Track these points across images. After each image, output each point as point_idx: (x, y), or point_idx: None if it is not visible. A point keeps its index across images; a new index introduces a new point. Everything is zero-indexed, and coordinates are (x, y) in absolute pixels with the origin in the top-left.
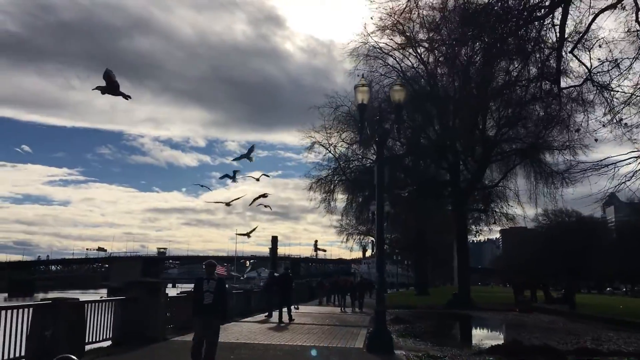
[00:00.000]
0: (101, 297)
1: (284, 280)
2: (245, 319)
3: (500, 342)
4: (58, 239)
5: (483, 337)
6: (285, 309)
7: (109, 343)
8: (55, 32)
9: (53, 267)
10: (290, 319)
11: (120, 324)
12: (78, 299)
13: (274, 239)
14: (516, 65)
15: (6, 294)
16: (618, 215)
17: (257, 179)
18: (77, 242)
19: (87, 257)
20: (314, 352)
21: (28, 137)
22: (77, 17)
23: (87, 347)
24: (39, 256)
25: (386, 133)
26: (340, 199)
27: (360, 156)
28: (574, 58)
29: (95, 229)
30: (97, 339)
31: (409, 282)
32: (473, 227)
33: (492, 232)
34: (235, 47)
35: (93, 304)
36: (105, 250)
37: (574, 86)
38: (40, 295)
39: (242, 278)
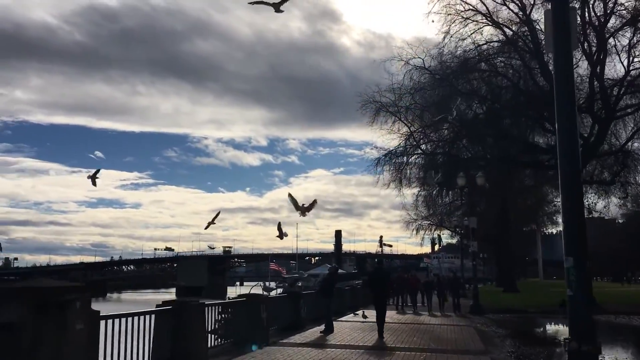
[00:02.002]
0: None
1: (379, 278)
2: (291, 338)
3: None
4: (132, 240)
5: None
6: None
7: None
8: (119, 40)
9: (125, 267)
10: (382, 335)
11: None
12: None
13: (338, 234)
14: None
15: None
16: None
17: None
18: (150, 243)
19: (156, 257)
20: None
21: (100, 143)
22: (139, 24)
23: None
24: (112, 257)
25: None
26: (414, 175)
27: (437, 120)
28: None
29: (165, 230)
30: None
31: (485, 277)
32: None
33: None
34: (292, 45)
35: None
36: (173, 250)
37: None
38: (115, 296)
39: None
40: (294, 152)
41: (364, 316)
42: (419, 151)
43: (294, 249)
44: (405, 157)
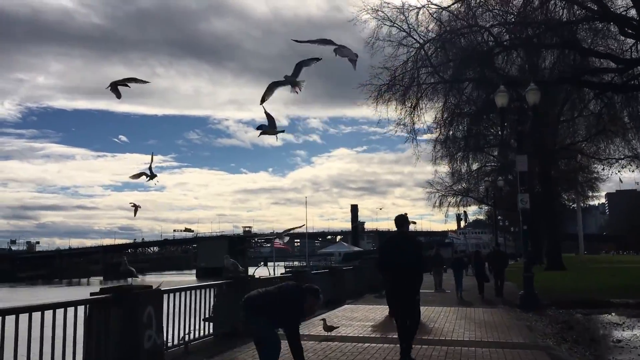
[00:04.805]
0: None
1: (399, 249)
2: None
3: None
4: (158, 222)
5: None
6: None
7: None
8: (135, 21)
9: (148, 249)
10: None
11: None
12: None
13: (354, 208)
14: None
15: (101, 277)
16: None
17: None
18: (175, 225)
19: (175, 239)
20: None
21: (123, 127)
22: (155, 4)
23: None
24: (135, 239)
25: None
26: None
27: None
28: None
29: (190, 212)
30: None
31: (517, 253)
32: None
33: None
34: (310, 21)
35: None
36: (192, 231)
37: None
38: (139, 279)
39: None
40: (316, 131)
41: (328, 328)
42: (437, 79)
43: (318, 229)
44: (418, 90)
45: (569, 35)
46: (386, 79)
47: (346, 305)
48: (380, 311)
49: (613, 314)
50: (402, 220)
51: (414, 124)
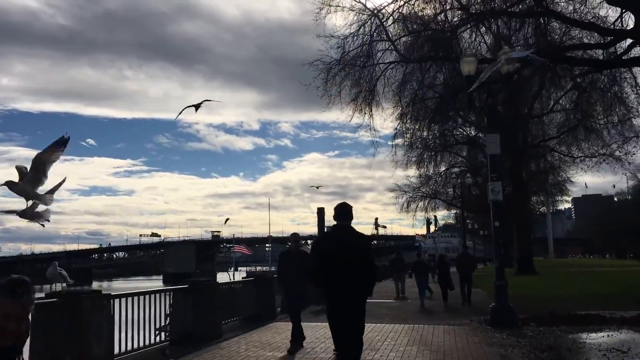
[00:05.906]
0: None
1: (339, 248)
2: None
3: None
4: (127, 227)
5: None
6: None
7: None
8: (103, 23)
9: (115, 254)
10: None
11: None
12: None
13: (320, 211)
14: None
15: (64, 284)
16: None
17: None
18: (145, 230)
19: (141, 244)
20: None
21: (91, 130)
22: (123, 6)
23: None
24: (101, 244)
25: None
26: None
27: None
28: None
29: (160, 217)
30: None
31: (486, 257)
32: None
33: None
34: (282, 25)
35: None
36: (159, 236)
37: None
38: (105, 284)
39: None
40: (287, 135)
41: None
42: (395, 56)
43: (285, 232)
44: (372, 68)
45: (549, 3)
46: (337, 53)
47: (275, 323)
48: (312, 330)
49: (610, 334)
50: (344, 211)
51: (371, 109)
